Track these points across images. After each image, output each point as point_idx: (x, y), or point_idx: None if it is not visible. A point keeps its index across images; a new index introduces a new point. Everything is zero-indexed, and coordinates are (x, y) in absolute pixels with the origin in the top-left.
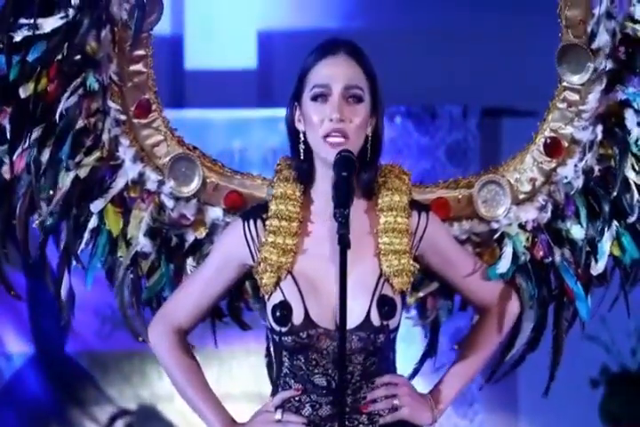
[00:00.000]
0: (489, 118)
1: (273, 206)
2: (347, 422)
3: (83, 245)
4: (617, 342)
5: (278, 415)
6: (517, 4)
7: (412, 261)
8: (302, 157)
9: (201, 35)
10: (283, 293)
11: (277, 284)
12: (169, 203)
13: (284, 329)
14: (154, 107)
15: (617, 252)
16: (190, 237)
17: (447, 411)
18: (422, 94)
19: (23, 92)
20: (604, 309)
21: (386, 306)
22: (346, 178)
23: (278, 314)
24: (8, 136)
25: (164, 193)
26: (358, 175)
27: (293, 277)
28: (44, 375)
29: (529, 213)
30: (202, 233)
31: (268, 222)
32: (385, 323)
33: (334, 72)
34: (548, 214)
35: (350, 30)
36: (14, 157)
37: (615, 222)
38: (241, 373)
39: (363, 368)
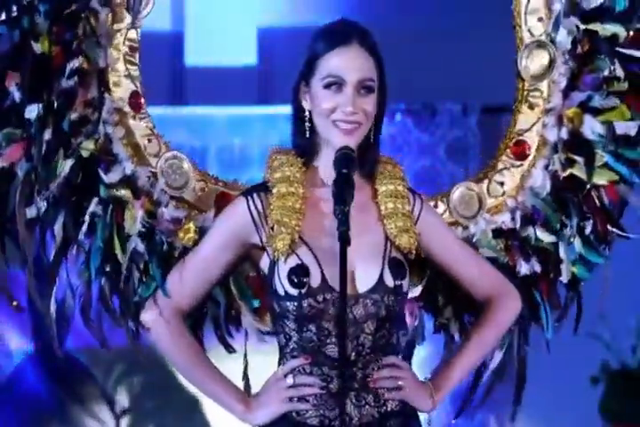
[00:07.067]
0: (489, 115)
1: (277, 174)
2: (354, 400)
3: (82, 237)
4: (617, 339)
5: (290, 380)
6: None
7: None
8: (307, 135)
9: (201, 32)
10: (298, 256)
11: (291, 246)
12: (163, 200)
13: (302, 291)
14: (143, 100)
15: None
16: (179, 246)
17: (446, 408)
18: (422, 92)
19: (37, 49)
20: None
21: (397, 267)
22: (346, 175)
23: (295, 277)
24: (17, 99)
25: (156, 191)
26: (364, 155)
27: (305, 242)
28: (43, 372)
29: (501, 218)
30: (190, 241)
31: (275, 190)
32: (398, 283)
33: (348, 65)
34: (518, 220)
35: None
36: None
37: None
38: (240, 372)
39: (373, 340)
